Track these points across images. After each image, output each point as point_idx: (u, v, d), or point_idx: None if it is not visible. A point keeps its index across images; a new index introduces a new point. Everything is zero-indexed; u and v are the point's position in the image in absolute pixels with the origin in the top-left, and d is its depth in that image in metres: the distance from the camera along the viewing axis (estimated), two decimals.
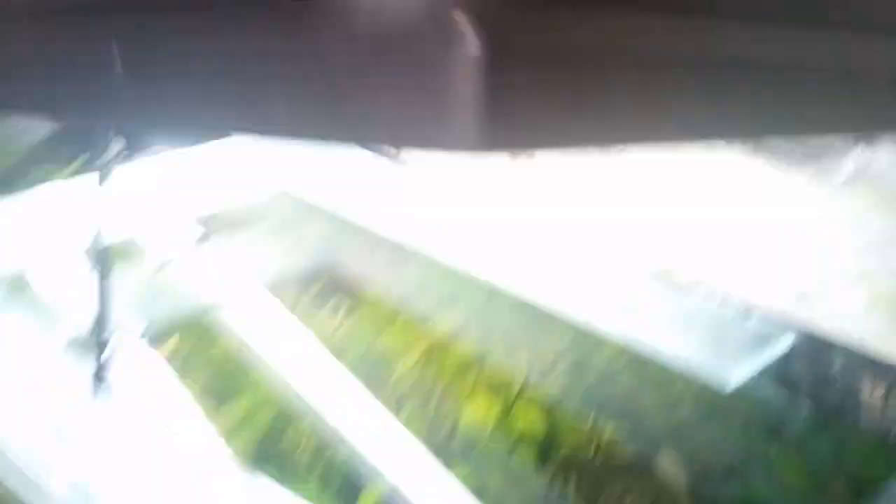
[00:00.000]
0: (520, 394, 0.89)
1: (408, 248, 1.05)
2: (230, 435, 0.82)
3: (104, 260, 0.68)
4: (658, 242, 0.87)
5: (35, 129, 1.70)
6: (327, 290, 1.12)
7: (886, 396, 0.66)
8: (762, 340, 0.72)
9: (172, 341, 0.98)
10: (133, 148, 1.55)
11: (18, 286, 1.05)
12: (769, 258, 0.78)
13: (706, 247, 0.83)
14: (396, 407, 0.89)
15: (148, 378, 0.85)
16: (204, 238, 1.25)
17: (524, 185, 1.03)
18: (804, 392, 0.72)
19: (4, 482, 0.63)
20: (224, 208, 1.29)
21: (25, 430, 0.63)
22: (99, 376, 0.67)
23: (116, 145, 1.63)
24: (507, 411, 0.88)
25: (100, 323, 0.68)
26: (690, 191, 0.87)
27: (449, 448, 0.84)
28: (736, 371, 0.68)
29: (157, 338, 0.94)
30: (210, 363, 0.97)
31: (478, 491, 0.78)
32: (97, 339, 0.69)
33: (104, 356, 0.68)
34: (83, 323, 0.75)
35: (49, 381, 0.69)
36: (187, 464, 0.59)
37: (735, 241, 0.81)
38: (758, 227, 0.79)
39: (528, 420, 0.86)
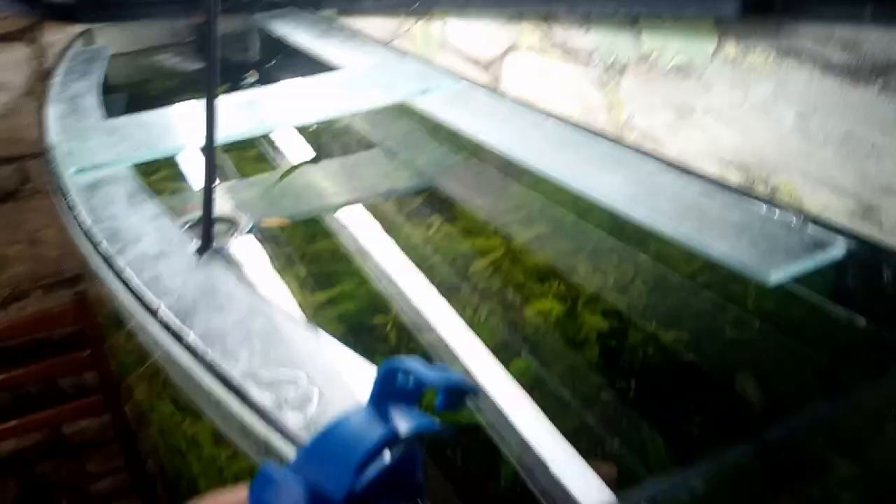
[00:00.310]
0: (587, 300, 0.93)
1: (513, 166, 1.10)
2: (321, 313, 0.95)
3: (212, 160, 0.79)
4: (728, 143, 0.86)
5: (189, 62, 1.92)
6: (429, 202, 1.22)
7: None
8: (815, 247, 0.71)
9: (279, 238, 1.11)
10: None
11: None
12: (836, 168, 0.76)
13: (770, 151, 0.82)
14: (467, 303, 0.96)
15: (251, 265, 0.98)
16: (318, 148, 1.39)
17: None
18: (853, 301, 0.71)
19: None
20: (341, 117, 1.43)
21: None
22: (201, 251, 0.79)
23: (252, 76, 1.79)
24: (572, 314, 0.92)
25: (206, 211, 0.79)
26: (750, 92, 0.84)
27: (510, 343, 0.90)
28: (782, 271, 0.68)
29: (266, 234, 1.07)
30: (310, 260, 1.09)
31: (533, 386, 0.83)
32: (205, 225, 0.80)
33: (207, 237, 0.79)
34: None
35: (162, 250, 0.81)
36: (277, 326, 0.68)
37: (802, 148, 0.80)
38: (824, 135, 0.77)
39: (592, 324, 0.90)
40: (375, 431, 0.37)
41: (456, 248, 1.10)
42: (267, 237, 1.09)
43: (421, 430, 0.38)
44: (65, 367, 1.92)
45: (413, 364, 0.39)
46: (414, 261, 1.07)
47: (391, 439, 0.37)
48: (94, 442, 2.05)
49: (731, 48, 0.84)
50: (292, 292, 0.98)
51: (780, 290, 0.75)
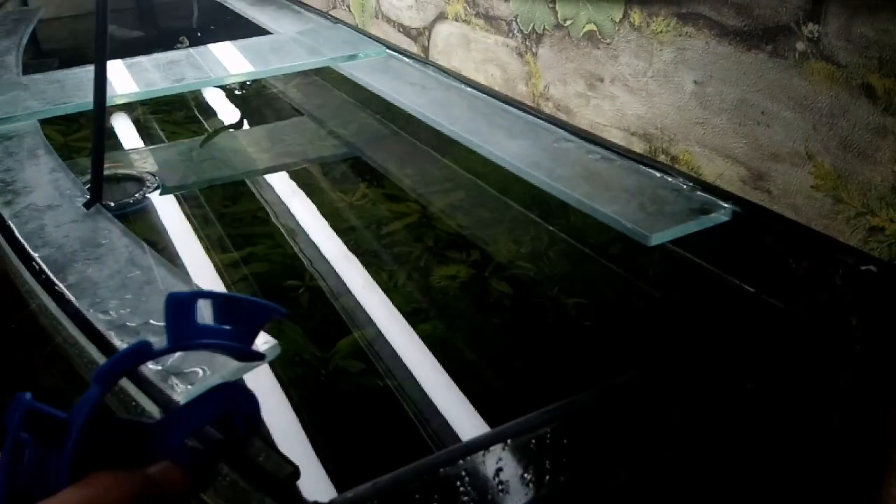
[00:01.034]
0: (493, 268, 0.93)
1: (433, 134, 1.09)
2: (230, 272, 0.93)
3: (102, 115, 0.77)
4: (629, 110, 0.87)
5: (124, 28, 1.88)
6: (352, 169, 1.21)
7: (810, 272, 0.65)
8: (700, 212, 0.72)
9: (197, 199, 1.09)
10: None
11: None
12: (730, 136, 0.77)
13: (671, 119, 0.83)
14: (380, 267, 0.95)
15: (162, 221, 0.97)
16: (245, 113, 1.37)
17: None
18: (733, 264, 0.72)
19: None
20: (265, 79, 1.41)
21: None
22: (89, 204, 0.77)
23: (184, 42, 1.76)
24: (477, 280, 0.92)
25: (94, 165, 0.77)
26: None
27: (418, 306, 0.89)
28: (663, 233, 0.69)
29: (183, 193, 1.05)
30: (227, 222, 1.07)
31: (439, 347, 0.83)
32: (93, 178, 0.78)
33: (96, 191, 0.77)
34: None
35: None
36: (154, 279, 0.67)
37: (699, 116, 0.80)
38: (719, 103, 0.77)
39: (496, 288, 0.90)
40: (130, 347, 0.33)
41: (375, 215, 1.10)
42: (184, 197, 1.07)
43: (207, 347, 0.35)
44: None
45: (191, 291, 0.35)
46: (332, 225, 1.06)
47: (146, 349, 0.33)
48: None
49: (636, 15, 0.84)
50: (203, 250, 0.96)
51: (669, 254, 0.76)
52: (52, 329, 0.66)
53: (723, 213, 0.71)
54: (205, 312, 0.36)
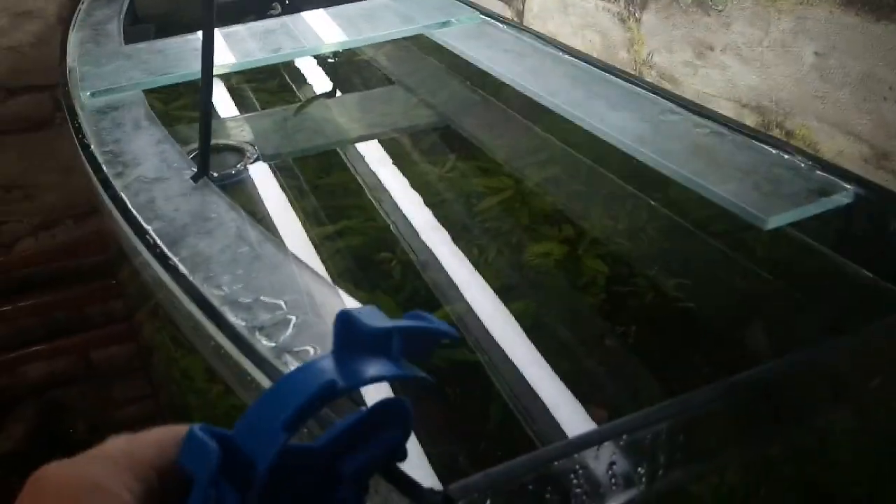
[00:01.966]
0: (589, 244, 0.91)
1: (529, 103, 1.07)
2: (326, 245, 0.95)
3: (209, 87, 0.78)
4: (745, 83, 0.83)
5: None
6: (444, 139, 1.20)
7: None
8: (820, 193, 0.68)
9: (291, 169, 1.10)
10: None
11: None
12: (852, 111, 0.72)
13: (788, 92, 0.78)
14: (471, 241, 0.95)
15: (257, 195, 0.98)
16: (338, 82, 1.37)
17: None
18: (856, 249, 0.68)
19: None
20: (359, 47, 1.41)
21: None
22: (197, 177, 0.78)
23: (276, 9, 1.77)
24: (573, 258, 0.90)
25: (202, 138, 0.79)
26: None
27: (510, 283, 0.88)
28: (781, 216, 0.66)
29: (278, 163, 1.07)
30: (321, 193, 1.08)
31: (532, 326, 0.82)
32: (201, 152, 0.80)
33: (203, 164, 0.78)
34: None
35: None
36: (264, 255, 0.68)
37: (819, 90, 0.76)
38: (842, 76, 0.73)
39: (593, 267, 0.88)
40: (313, 384, 0.31)
41: (467, 187, 1.09)
42: (279, 168, 1.09)
43: (384, 379, 0.33)
44: (92, 295, 1.96)
45: (368, 312, 0.34)
46: (426, 198, 1.05)
47: (332, 390, 0.31)
48: (121, 370, 2.11)
49: None
50: (299, 223, 0.97)
51: (783, 237, 0.73)
52: (167, 303, 0.68)
53: (844, 195, 0.67)
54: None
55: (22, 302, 1.88)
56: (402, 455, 0.38)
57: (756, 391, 0.48)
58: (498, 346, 0.81)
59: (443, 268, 0.92)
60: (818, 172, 0.70)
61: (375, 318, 0.33)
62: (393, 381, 0.36)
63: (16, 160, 1.92)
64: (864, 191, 0.67)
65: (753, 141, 0.77)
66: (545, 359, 0.78)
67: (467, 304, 0.86)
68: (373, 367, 0.33)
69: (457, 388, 0.81)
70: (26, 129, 1.93)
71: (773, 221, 0.65)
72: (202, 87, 0.77)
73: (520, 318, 0.83)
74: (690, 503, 0.71)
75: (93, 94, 1.03)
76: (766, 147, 0.75)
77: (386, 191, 1.07)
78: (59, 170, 1.97)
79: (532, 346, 0.80)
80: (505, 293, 0.86)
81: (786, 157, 0.73)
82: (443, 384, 0.81)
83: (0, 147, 1.90)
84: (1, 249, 1.96)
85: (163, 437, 0.29)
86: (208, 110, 0.77)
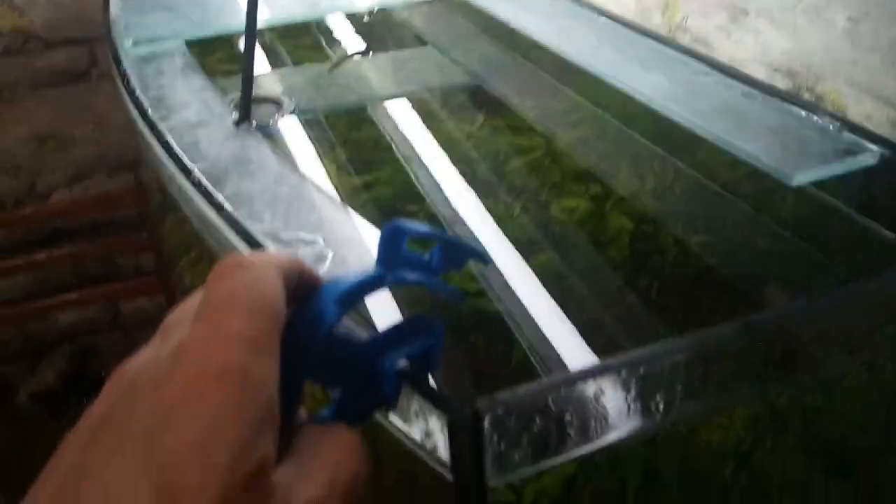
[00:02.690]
0: (616, 202, 0.93)
1: (561, 64, 1.09)
2: (355, 196, 0.97)
3: (252, 34, 0.80)
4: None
5: None
6: (475, 99, 1.21)
7: None
8: (846, 153, 0.70)
9: (325, 124, 1.13)
10: None
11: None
12: (882, 76, 0.74)
13: (819, 57, 0.79)
14: (500, 199, 0.97)
15: (291, 144, 1.01)
16: (371, 41, 1.39)
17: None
18: (879, 210, 0.70)
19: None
20: (392, 6, 1.43)
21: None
22: (239, 122, 0.81)
23: None
24: (599, 214, 0.92)
25: (245, 84, 0.81)
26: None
27: (536, 239, 0.91)
28: (806, 173, 0.67)
29: (312, 118, 1.09)
30: (352, 146, 1.11)
31: (554, 280, 0.85)
32: (243, 97, 0.82)
33: (245, 110, 0.81)
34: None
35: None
36: (302, 195, 0.71)
37: (850, 55, 0.77)
38: (873, 41, 0.74)
39: (618, 224, 0.90)
40: (363, 274, 0.35)
41: (496, 146, 1.11)
42: (313, 122, 1.11)
43: (423, 283, 0.37)
44: (123, 248, 2.01)
45: (416, 224, 0.37)
46: (453, 155, 1.08)
47: (380, 279, 0.35)
48: (151, 321, 2.15)
49: None
50: (329, 174, 1.00)
51: (807, 198, 0.74)
52: (209, 237, 0.71)
53: (870, 156, 0.69)
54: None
55: (55, 251, 1.93)
56: (435, 365, 0.41)
57: (772, 332, 0.51)
58: (518, 298, 0.83)
59: (468, 221, 0.94)
60: (845, 134, 0.72)
61: (420, 226, 0.37)
62: (430, 293, 0.39)
63: (51, 113, 1.96)
64: (891, 152, 0.68)
65: (783, 103, 0.78)
66: (565, 311, 0.80)
67: (491, 255, 0.89)
68: (415, 273, 0.37)
69: (478, 337, 0.84)
70: (63, 83, 1.96)
71: (799, 178, 0.67)
72: (246, 33, 0.80)
73: (542, 271, 0.86)
74: (700, 451, 0.74)
75: (135, 43, 1.06)
76: (796, 109, 0.77)
77: (416, 147, 1.10)
78: (93, 123, 2.01)
79: (552, 299, 0.82)
80: (529, 247, 0.89)
81: (814, 118, 0.75)
82: (466, 332, 0.84)
83: (37, 99, 1.94)
84: (36, 200, 2.01)
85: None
86: (251, 57, 0.80)
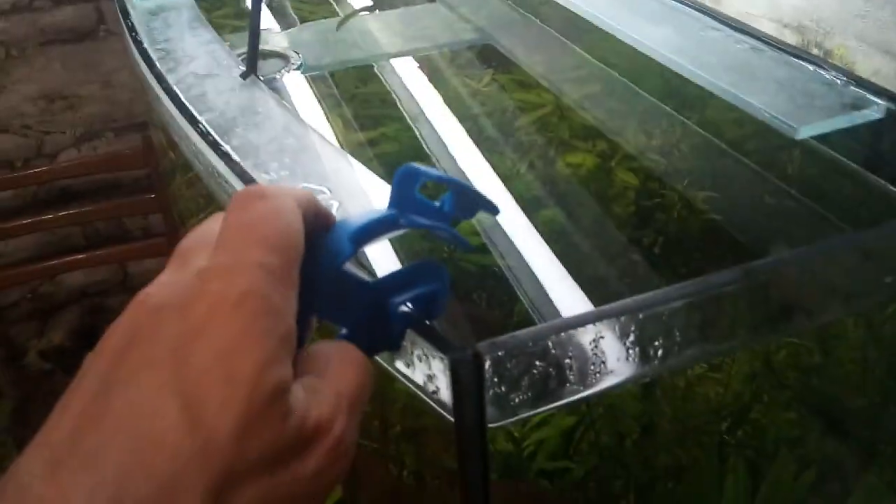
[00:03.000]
0: (622, 159, 0.93)
1: (569, 19, 1.08)
2: (360, 151, 0.98)
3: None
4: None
5: None
6: (483, 56, 1.21)
7: None
8: (853, 107, 0.69)
9: (331, 80, 1.13)
10: None
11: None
12: (891, 31, 0.73)
13: (828, 11, 0.79)
14: (506, 156, 0.97)
15: (297, 99, 1.01)
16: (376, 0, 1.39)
17: None
18: (882, 164, 0.70)
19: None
20: None
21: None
22: (245, 75, 0.81)
23: None
24: (605, 170, 0.92)
25: (251, 36, 0.81)
26: None
27: (542, 195, 0.91)
28: (812, 126, 0.67)
29: (318, 74, 1.09)
30: (358, 102, 1.11)
31: (558, 236, 0.85)
32: (250, 49, 0.82)
33: (252, 62, 0.81)
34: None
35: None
36: (308, 146, 0.71)
37: (860, 9, 0.76)
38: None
39: (623, 180, 0.91)
40: (377, 213, 0.35)
41: (503, 103, 1.11)
42: (320, 78, 1.11)
43: (434, 228, 0.37)
44: (132, 209, 2.02)
45: (429, 168, 0.37)
46: (460, 112, 1.08)
47: (393, 220, 0.35)
48: None
49: None
50: (335, 129, 1.01)
51: (813, 154, 0.74)
52: (217, 188, 0.72)
53: (876, 110, 0.68)
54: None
55: (63, 211, 1.94)
56: (440, 310, 0.41)
57: (770, 279, 0.51)
58: (521, 253, 0.84)
59: (473, 177, 0.94)
60: (852, 88, 0.71)
61: (434, 171, 0.37)
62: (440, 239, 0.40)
63: (59, 71, 1.96)
64: None
65: (791, 58, 0.78)
66: (568, 267, 0.81)
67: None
68: (426, 218, 0.37)
69: (481, 291, 0.84)
70: (70, 40, 1.95)
71: (804, 131, 0.67)
72: None
73: (546, 227, 0.86)
74: (697, 404, 0.75)
75: None
76: (803, 63, 0.76)
77: (422, 104, 1.10)
78: (101, 82, 2.01)
79: (555, 255, 0.83)
80: (533, 203, 0.89)
81: (822, 73, 0.74)
82: (468, 286, 0.85)
83: (44, 57, 1.93)
84: (44, 159, 2.01)
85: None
86: (258, 8, 0.80)
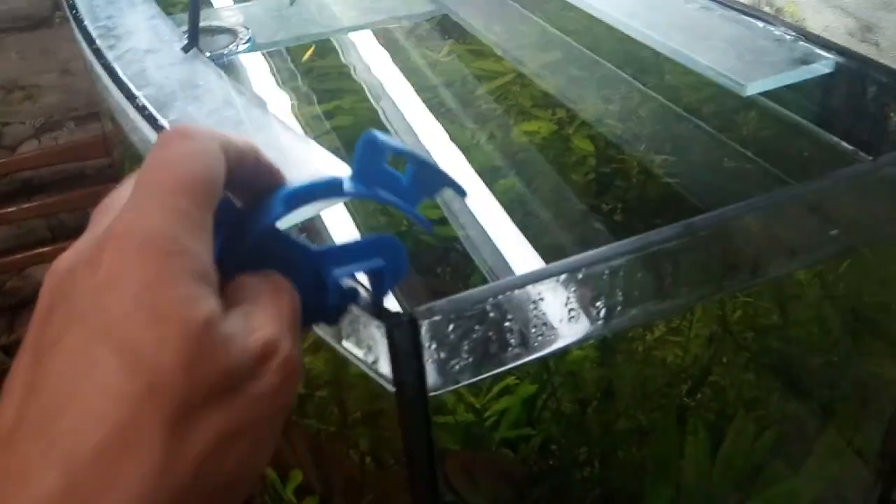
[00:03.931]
0: (579, 126, 0.92)
1: None
2: (315, 124, 0.96)
3: None
4: None
5: None
6: (441, 28, 1.19)
7: None
8: (801, 62, 0.69)
9: (285, 54, 1.10)
10: None
11: None
12: None
13: None
14: (465, 126, 0.96)
15: (251, 74, 0.99)
16: None
17: None
18: (832, 119, 0.69)
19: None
20: None
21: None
22: (187, 48, 0.79)
23: None
24: (563, 138, 0.91)
25: (192, 9, 0.79)
26: None
27: (500, 164, 0.90)
28: (760, 83, 0.66)
29: (272, 49, 1.07)
30: (313, 77, 1.09)
31: (517, 205, 0.84)
32: (190, 23, 0.80)
33: (193, 35, 0.79)
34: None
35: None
36: (249, 118, 0.69)
37: None
38: None
39: (581, 147, 0.90)
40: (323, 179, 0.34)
41: (461, 74, 1.09)
42: (272, 53, 1.09)
43: (394, 204, 0.34)
44: (96, 198, 1.98)
45: (392, 139, 0.34)
46: (418, 83, 1.06)
47: (337, 186, 0.33)
48: None
49: None
50: (290, 102, 0.99)
51: (767, 115, 0.73)
52: None
53: (824, 64, 0.68)
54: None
55: (26, 203, 1.90)
56: (386, 287, 0.39)
57: (714, 233, 0.50)
58: (480, 223, 0.83)
59: (431, 148, 0.93)
60: (801, 44, 0.71)
61: (397, 143, 0.35)
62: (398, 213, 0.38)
63: (16, 60, 1.92)
64: (845, 60, 0.67)
65: (741, 15, 0.77)
66: (527, 235, 0.80)
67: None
68: (383, 190, 0.35)
69: (439, 263, 0.83)
70: (25, 28, 1.91)
71: (752, 88, 0.66)
72: None
73: (505, 196, 0.85)
74: (657, 367, 0.75)
75: None
76: (753, 21, 0.75)
77: (379, 76, 1.08)
78: (59, 71, 1.97)
79: (514, 224, 0.82)
80: (492, 172, 0.88)
81: (771, 29, 0.73)
82: (426, 259, 0.84)
83: (1, 47, 1.89)
84: (4, 151, 1.97)
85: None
86: None
